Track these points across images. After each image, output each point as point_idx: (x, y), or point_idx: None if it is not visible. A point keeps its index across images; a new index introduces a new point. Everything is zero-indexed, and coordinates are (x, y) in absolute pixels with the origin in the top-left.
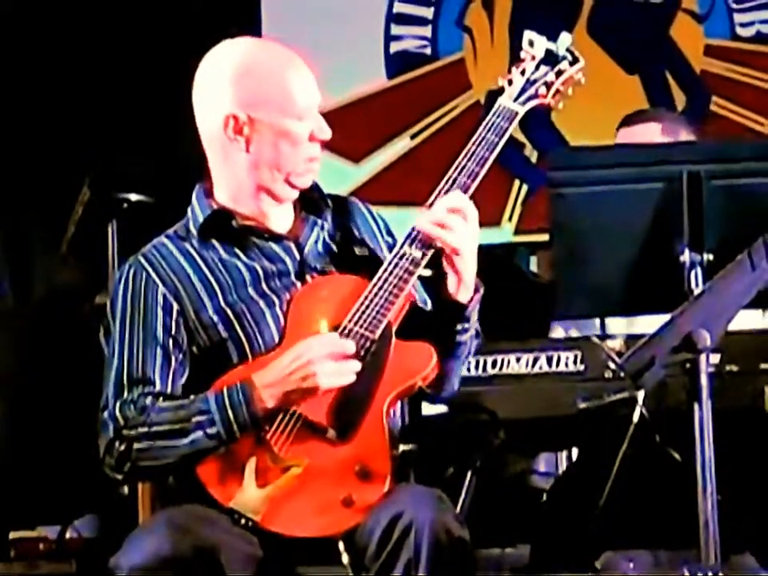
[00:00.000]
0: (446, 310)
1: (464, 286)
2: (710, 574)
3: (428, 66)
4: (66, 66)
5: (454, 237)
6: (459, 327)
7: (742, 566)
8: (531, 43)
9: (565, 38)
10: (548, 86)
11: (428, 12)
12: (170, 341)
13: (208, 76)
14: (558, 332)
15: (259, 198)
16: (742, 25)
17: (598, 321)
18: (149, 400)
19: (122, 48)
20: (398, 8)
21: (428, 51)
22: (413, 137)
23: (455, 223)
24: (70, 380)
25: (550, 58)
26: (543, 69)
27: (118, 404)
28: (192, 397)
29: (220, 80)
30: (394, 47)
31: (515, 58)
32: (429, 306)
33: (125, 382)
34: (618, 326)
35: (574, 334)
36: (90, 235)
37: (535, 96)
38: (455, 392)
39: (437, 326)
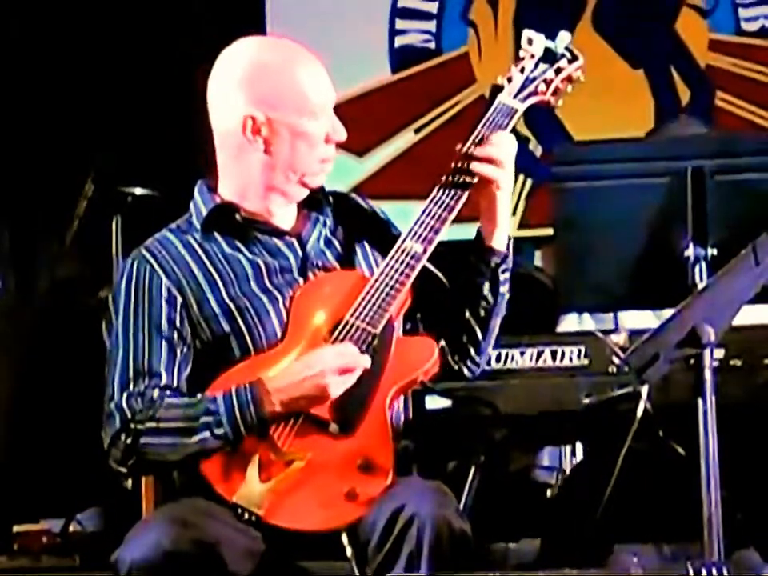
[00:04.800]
0: (485, 262)
1: (499, 230)
2: (713, 568)
3: (432, 60)
4: (70, 61)
5: (501, 172)
6: (502, 277)
7: (746, 561)
8: (530, 41)
9: (564, 37)
10: (547, 83)
11: (432, 6)
12: (175, 333)
13: (223, 76)
14: (569, 322)
15: (268, 197)
16: (747, 20)
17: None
18: (156, 392)
19: (127, 43)
20: (403, 2)
21: (432, 46)
22: (417, 131)
23: (504, 159)
24: (73, 374)
25: (549, 56)
26: (542, 66)
27: (124, 396)
28: (200, 396)
29: (235, 80)
30: (399, 41)
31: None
32: (447, 284)
33: (131, 374)
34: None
35: (589, 324)
36: (93, 229)
37: (534, 93)
38: (487, 360)
39: (477, 284)
